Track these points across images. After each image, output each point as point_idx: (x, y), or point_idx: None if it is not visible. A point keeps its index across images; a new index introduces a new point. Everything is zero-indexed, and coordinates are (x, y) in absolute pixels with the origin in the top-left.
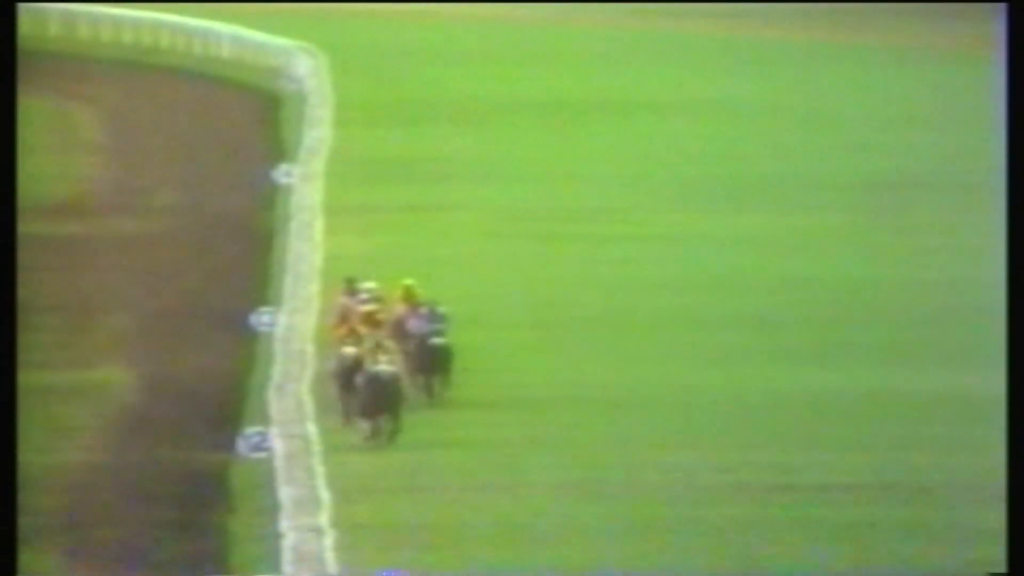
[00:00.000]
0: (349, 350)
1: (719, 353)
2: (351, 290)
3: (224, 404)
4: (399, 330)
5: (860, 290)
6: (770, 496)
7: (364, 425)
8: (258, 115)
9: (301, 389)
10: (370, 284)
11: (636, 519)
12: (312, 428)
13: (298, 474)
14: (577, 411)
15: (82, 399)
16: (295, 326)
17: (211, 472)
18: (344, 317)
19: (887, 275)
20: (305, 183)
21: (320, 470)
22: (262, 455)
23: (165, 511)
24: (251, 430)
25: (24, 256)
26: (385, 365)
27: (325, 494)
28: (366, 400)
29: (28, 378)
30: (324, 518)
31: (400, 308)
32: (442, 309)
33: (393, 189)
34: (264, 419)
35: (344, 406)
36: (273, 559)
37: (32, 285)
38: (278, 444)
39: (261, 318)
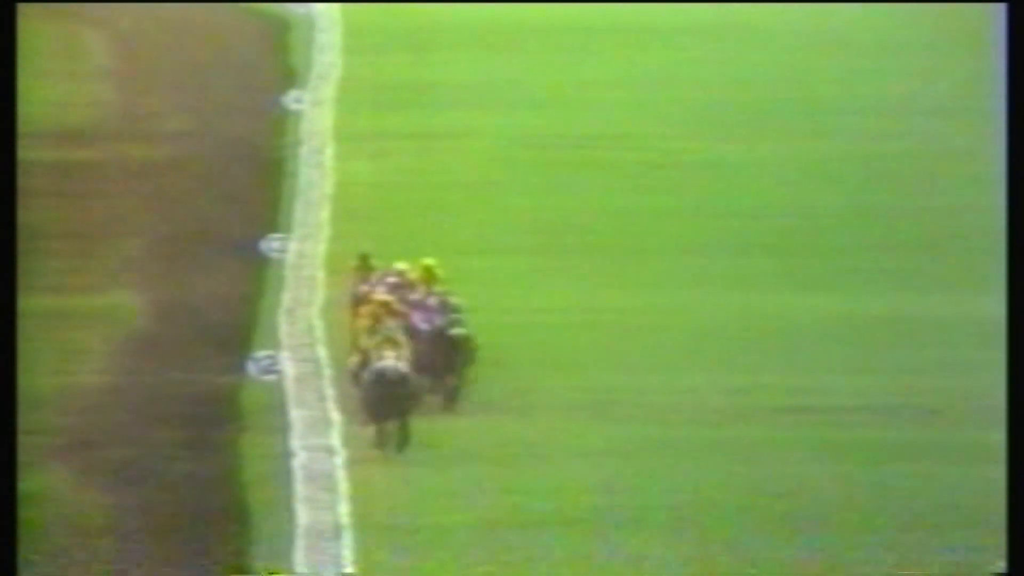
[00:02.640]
0: (389, 359)
1: (729, 278)
2: (364, 268)
3: (234, 328)
4: (408, 328)
5: (870, 216)
6: (779, 417)
7: (369, 430)
8: (267, 39)
9: (311, 314)
10: (400, 265)
11: (645, 440)
12: (322, 352)
13: (308, 396)
14: (587, 335)
15: (93, 323)
16: (305, 252)
17: (221, 394)
18: (359, 301)
19: (897, 202)
20: (315, 109)
21: (330, 393)
22: (272, 378)
23: (176, 431)
24: (261, 353)
25: (34, 182)
26: (394, 361)
27: (336, 416)
28: (371, 401)
29: (39, 303)
30: (335, 438)
31: (425, 295)
32: (455, 299)
33: (404, 115)
34: (274, 343)
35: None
36: (284, 477)
37: (42, 211)
38: (288, 367)
39: (271, 244)
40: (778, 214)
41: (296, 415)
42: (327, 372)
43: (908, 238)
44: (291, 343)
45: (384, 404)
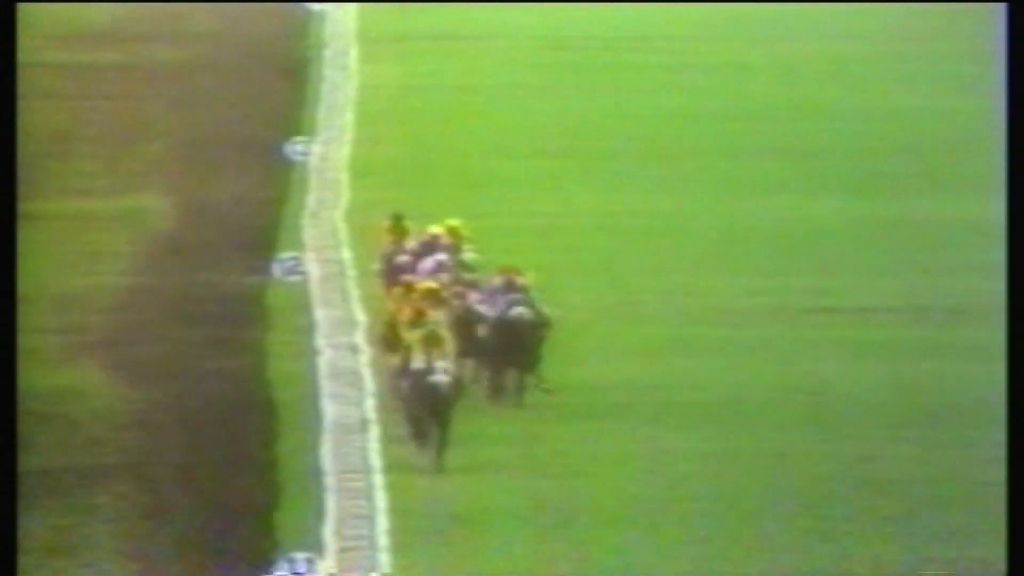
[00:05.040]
0: (437, 371)
1: (754, 181)
2: (397, 230)
3: (259, 230)
4: (463, 315)
5: (895, 118)
6: (805, 318)
7: (409, 432)
8: None
9: (335, 216)
10: (435, 229)
11: (670, 340)
12: (347, 254)
13: (333, 296)
14: (613, 237)
15: (119, 226)
16: (329, 155)
17: (247, 294)
18: (395, 277)
19: (923, 104)
20: (339, 10)
21: (355, 293)
22: (297, 279)
23: (202, 330)
24: (286, 255)
25: (62, 85)
26: (441, 372)
27: (360, 315)
28: (411, 412)
29: (69, 205)
30: (360, 337)
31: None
32: (521, 279)
33: (428, 17)
34: (298, 245)
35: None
36: (310, 374)
37: (68, 113)
38: (313, 268)
39: (295, 147)
40: (802, 116)
41: (321, 314)
42: (351, 273)
43: (933, 141)
44: (315, 245)
45: (426, 415)
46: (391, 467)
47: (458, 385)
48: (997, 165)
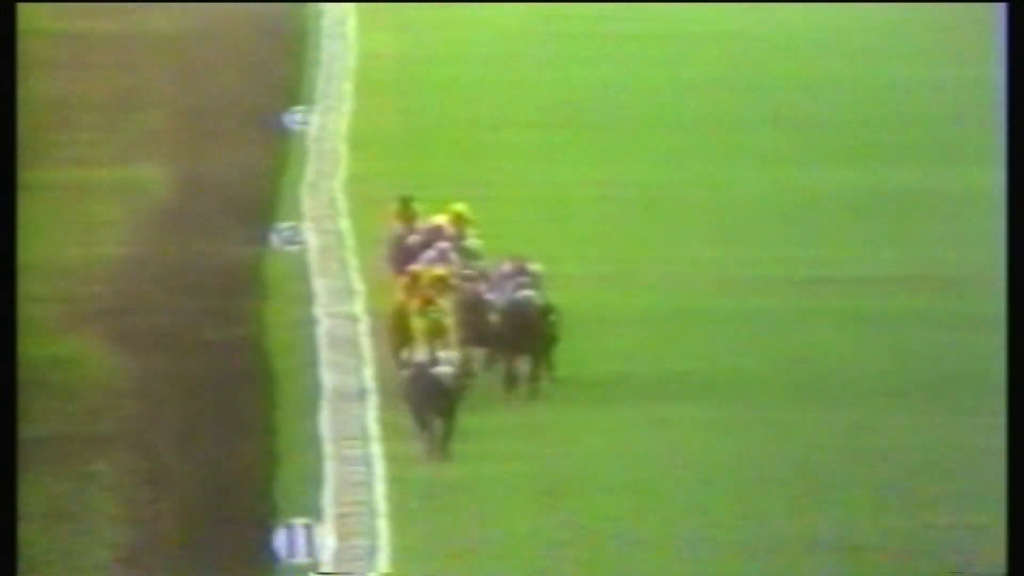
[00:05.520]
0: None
1: (752, 152)
2: (405, 214)
3: (257, 200)
4: (473, 302)
5: (892, 89)
6: (802, 288)
7: (413, 424)
8: None
9: (334, 186)
10: (439, 218)
11: (667, 310)
12: (345, 224)
13: (332, 266)
14: (610, 208)
15: (117, 195)
16: (328, 125)
17: (245, 264)
18: (400, 256)
19: (919, 74)
20: None
21: (353, 262)
22: (295, 248)
23: (200, 300)
24: (284, 225)
25: (61, 53)
26: (444, 362)
27: (359, 285)
28: (416, 401)
29: (67, 175)
30: (358, 306)
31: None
32: (534, 266)
33: None
34: (297, 215)
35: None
36: (308, 343)
37: (66, 83)
38: (311, 238)
39: (294, 117)
40: (800, 86)
41: (319, 284)
42: (350, 243)
43: (930, 111)
44: (314, 215)
45: (430, 406)
46: (389, 435)
47: (462, 377)
48: (995, 135)
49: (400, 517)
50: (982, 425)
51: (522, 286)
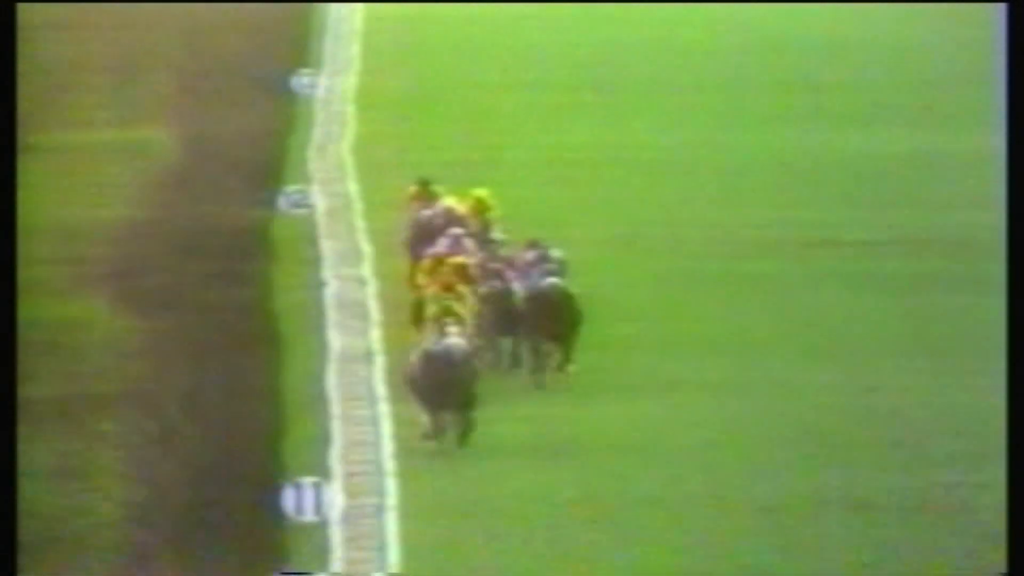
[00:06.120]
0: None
1: (759, 115)
2: (424, 196)
3: (265, 163)
4: (498, 291)
5: (901, 51)
6: (808, 251)
7: (423, 419)
8: None
9: (342, 149)
10: (448, 202)
11: (675, 272)
12: (353, 187)
13: (339, 229)
14: (617, 170)
15: (124, 158)
16: (335, 88)
17: (253, 227)
18: (420, 242)
19: (928, 38)
20: None
21: (360, 225)
22: (303, 211)
23: (208, 262)
24: (292, 188)
25: (69, 15)
26: (456, 347)
27: (367, 247)
28: (423, 388)
29: (74, 137)
30: (366, 269)
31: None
32: (556, 252)
33: None
34: (305, 178)
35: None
36: (315, 306)
37: (73, 44)
38: (319, 201)
39: (302, 79)
40: (807, 49)
41: (327, 246)
42: (358, 206)
43: (935, 74)
44: (321, 177)
45: (440, 391)
46: (396, 396)
47: (475, 362)
48: (998, 98)
49: (408, 476)
50: (986, 386)
51: (548, 273)
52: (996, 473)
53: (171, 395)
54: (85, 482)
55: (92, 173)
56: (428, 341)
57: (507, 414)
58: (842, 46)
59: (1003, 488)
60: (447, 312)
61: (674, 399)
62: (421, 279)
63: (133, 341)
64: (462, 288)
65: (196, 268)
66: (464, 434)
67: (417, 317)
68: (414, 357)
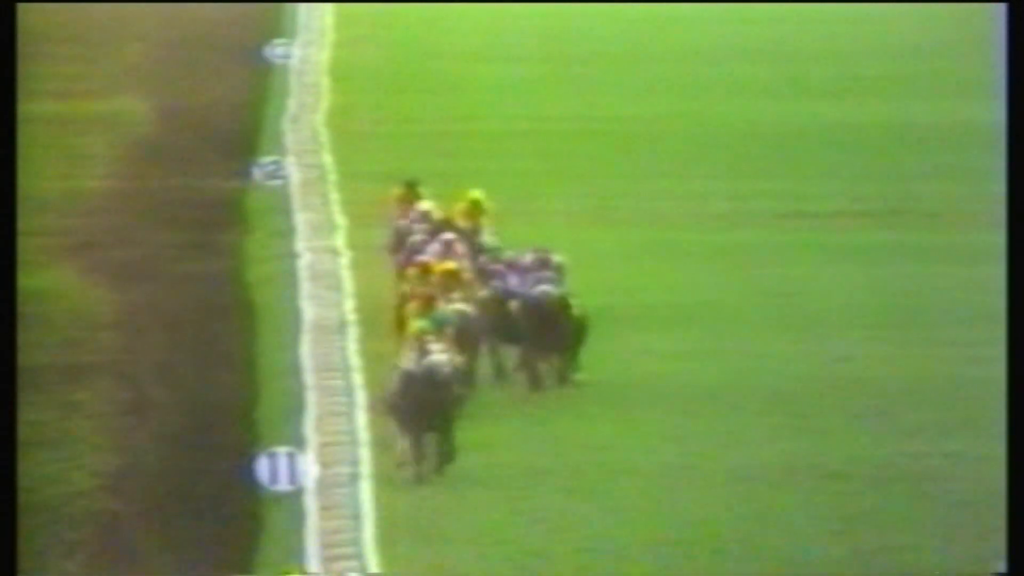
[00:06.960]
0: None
1: (731, 85)
2: (411, 199)
3: (239, 134)
4: (496, 296)
5: (873, 21)
6: (781, 222)
7: (402, 443)
8: None
9: (316, 120)
10: (424, 205)
11: (647, 243)
12: (328, 158)
13: (313, 200)
14: (591, 142)
15: (97, 128)
16: (309, 58)
17: (226, 198)
18: (407, 252)
19: (903, 8)
20: None
21: (335, 197)
22: (277, 183)
23: (181, 233)
24: (266, 159)
25: None
26: (438, 367)
27: (341, 219)
28: (403, 409)
29: (43, 108)
30: (340, 240)
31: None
32: (557, 258)
33: None
34: (279, 149)
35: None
36: (289, 277)
37: (45, 14)
38: (293, 172)
39: (276, 50)
40: (781, 19)
41: (301, 218)
42: (332, 177)
43: (910, 44)
44: (296, 149)
45: (422, 412)
46: (370, 365)
47: (459, 384)
48: (976, 68)
49: (382, 446)
50: (957, 356)
51: (542, 280)
52: (964, 443)
53: (145, 365)
54: (58, 451)
55: (65, 144)
56: (408, 360)
57: (480, 380)
58: (815, 15)
59: (971, 456)
60: (426, 332)
61: (646, 368)
62: (405, 287)
63: (105, 313)
64: (451, 296)
65: (169, 239)
66: (442, 461)
67: (399, 325)
68: (394, 377)
